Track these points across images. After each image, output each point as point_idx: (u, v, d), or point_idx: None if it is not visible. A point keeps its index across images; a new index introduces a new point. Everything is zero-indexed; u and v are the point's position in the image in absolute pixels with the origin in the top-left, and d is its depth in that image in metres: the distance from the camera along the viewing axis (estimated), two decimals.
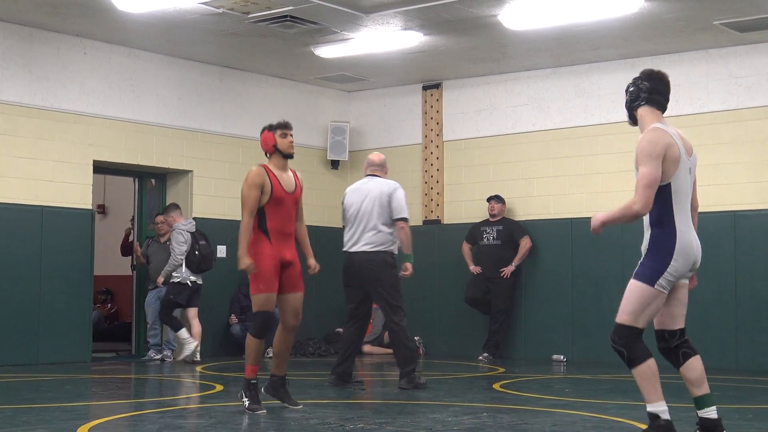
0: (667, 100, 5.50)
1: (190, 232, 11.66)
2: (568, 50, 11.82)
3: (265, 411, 6.80)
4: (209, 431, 6.13)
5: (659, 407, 5.25)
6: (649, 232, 5.36)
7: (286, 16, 10.32)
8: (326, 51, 11.65)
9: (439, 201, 13.39)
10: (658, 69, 5.58)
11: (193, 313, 11.77)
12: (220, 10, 10.12)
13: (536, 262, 12.48)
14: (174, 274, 11.58)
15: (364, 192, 8.84)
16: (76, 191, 11.29)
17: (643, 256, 5.36)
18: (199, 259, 11.60)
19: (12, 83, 10.85)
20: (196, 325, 11.73)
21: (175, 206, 11.91)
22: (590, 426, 6.44)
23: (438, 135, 13.42)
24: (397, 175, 13.75)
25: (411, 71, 12.98)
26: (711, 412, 5.37)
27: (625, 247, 11.88)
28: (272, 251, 6.95)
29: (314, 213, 13.68)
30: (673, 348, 5.45)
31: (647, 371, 5.24)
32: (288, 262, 7.07)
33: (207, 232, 12.42)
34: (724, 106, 11.46)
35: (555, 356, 12.16)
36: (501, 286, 12.23)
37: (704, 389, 5.38)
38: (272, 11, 10.15)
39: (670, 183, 5.27)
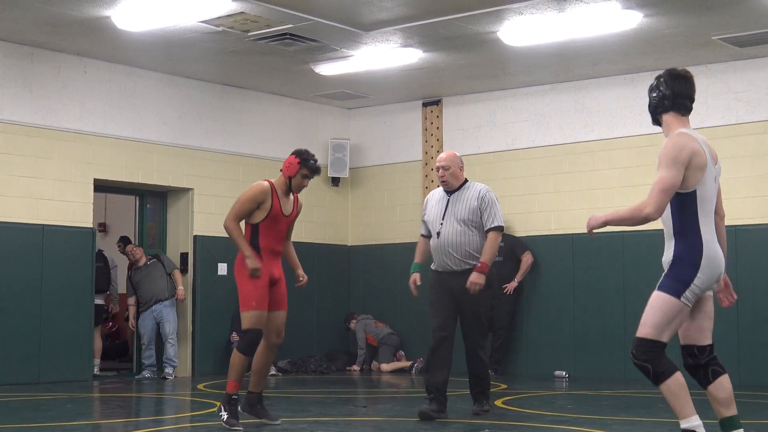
0: (692, 101, 5.17)
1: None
2: (568, 66, 11.84)
3: (241, 428, 6.84)
4: None
5: (693, 422, 5.00)
6: (673, 242, 5.06)
7: (285, 34, 10.34)
8: (326, 68, 11.67)
9: None
10: (682, 68, 5.25)
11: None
12: (220, 29, 10.15)
13: (537, 278, 12.47)
14: None
15: None
16: (76, 210, 11.30)
17: (668, 267, 5.07)
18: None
19: (12, 102, 10.87)
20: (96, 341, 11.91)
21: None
22: None
23: (438, 151, 13.43)
24: (397, 191, 13.80)
25: (411, 88, 13.01)
26: None
27: (626, 263, 11.89)
28: (264, 269, 6.97)
29: (315, 230, 13.69)
30: (702, 365, 5.21)
31: (676, 385, 4.97)
32: (276, 279, 7.14)
33: (208, 250, 12.45)
34: (724, 121, 11.47)
35: (557, 372, 12.13)
36: (503, 303, 12.21)
37: (732, 410, 5.13)
38: (272, 29, 10.18)
39: (695, 191, 4.97)
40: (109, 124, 11.68)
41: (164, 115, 12.22)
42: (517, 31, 10.23)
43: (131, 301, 12.28)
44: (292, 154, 7.20)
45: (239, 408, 7.19)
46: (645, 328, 5.08)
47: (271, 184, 7.12)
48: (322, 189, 13.94)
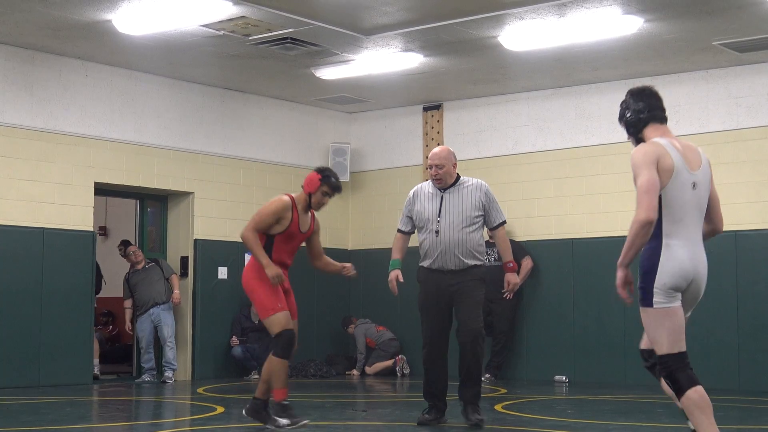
0: (664, 110, 5.26)
1: None
2: (568, 71, 11.85)
3: (307, 420, 6.82)
4: None
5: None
6: None
7: (286, 38, 10.36)
8: (327, 73, 11.68)
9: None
10: (640, 86, 5.34)
11: None
12: (221, 33, 10.16)
13: (537, 283, 12.47)
14: None
15: None
16: (77, 213, 11.30)
17: None
18: None
19: (13, 106, 10.88)
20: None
21: None
22: None
23: None
24: (398, 195, 13.79)
25: (412, 92, 13.02)
26: None
27: None
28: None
29: None
30: (650, 367, 5.32)
31: (691, 401, 4.92)
32: (286, 290, 7.09)
33: (208, 253, 12.45)
34: (724, 126, 11.48)
35: (557, 377, 12.13)
36: (503, 308, 12.19)
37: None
38: (273, 33, 10.19)
39: (660, 195, 4.99)
40: (110, 127, 11.68)
41: (165, 118, 12.22)
42: (517, 36, 10.24)
43: (127, 303, 12.27)
44: (314, 170, 7.14)
45: (243, 412, 7.19)
46: (654, 347, 5.10)
47: (292, 199, 7.06)
48: None
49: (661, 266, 5.03)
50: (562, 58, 11.26)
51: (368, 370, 13.14)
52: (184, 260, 12.46)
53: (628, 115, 5.22)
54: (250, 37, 10.34)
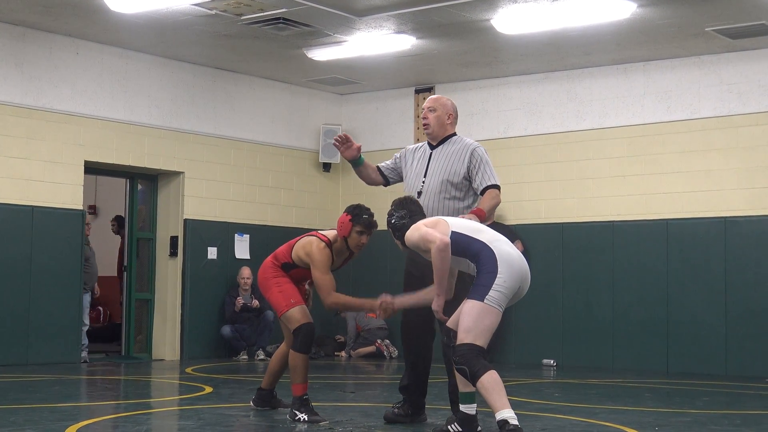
0: (423, 212, 6.14)
1: None
2: (561, 55, 11.84)
3: (327, 421, 6.56)
4: None
5: (506, 414, 5.35)
6: None
7: (279, 19, 10.32)
8: (319, 53, 11.64)
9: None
10: (404, 197, 6.24)
11: None
12: (213, 12, 10.11)
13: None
14: None
15: None
16: (67, 191, 11.27)
17: None
18: None
19: (3, 83, 10.83)
20: None
21: None
22: (578, 430, 6.44)
23: None
24: None
25: (403, 74, 12.99)
26: (471, 409, 5.73)
27: (615, 252, 11.91)
28: (292, 288, 6.85)
29: (306, 216, 13.69)
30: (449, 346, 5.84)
31: (489, 382, 5.43)
32: (306, 294, 7.13)
33: (198, 233, 12.44)
34: (716, 112, 11.49)
35: (545, 361, 12.17)
36: None
37: (471, 388, 5.65)
38: (265, 13, 10.15)
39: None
40: (101, 106, 11.64)
41: (156, 98, 12.18)
42: (510, 19, 10.22)
43: None
44: (344, 212, 6.65)
45: (251, 403, 7.20)
46: (463, 334, 5.64)
47: (329, 244, 6.68)
48: (313, 175, 13.93)
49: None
50: (554, 42, 11.25)
51: (353, 353, 13.20)
52: (173, 240, 12.44)
53: (395, 222, 6.07)
54: (243, 17, 10.29)
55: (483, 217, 6.22)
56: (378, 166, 6.97)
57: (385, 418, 6.56)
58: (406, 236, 5.89)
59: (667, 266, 11.57)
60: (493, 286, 5.56)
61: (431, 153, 6.61)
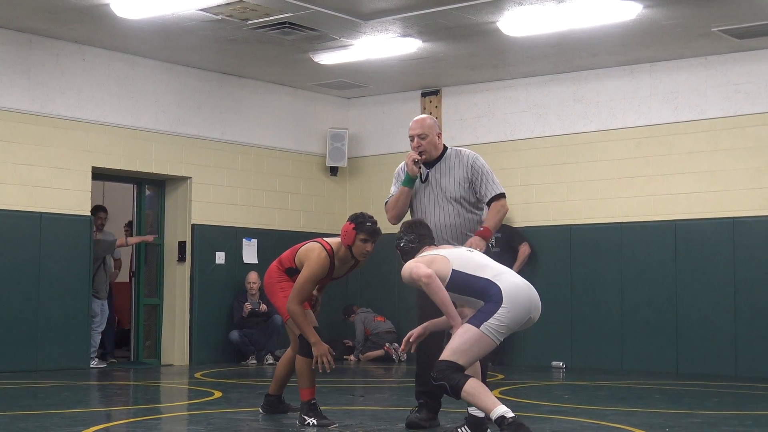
0: (432, 235, 6.19)
1: None
2: (567, 57, 11.83)
3: (336, 425, 6.56)
4: None
5: (500, 410, 5.34)
6: None
7: (284, 23, 10.32)
8: (325, 57, 11.65)
9: None
10: (413, 220, 6.31)
11: None
12: (219, 17, 10.12)
13: (535, 269, 12.46)
14: None
15: None
16: (74, 198, 11.29)
17: None
18: None
19: (10, 90, 10.85)
20: None
21: None
22: None
23: None
24: None
25: (410, 78, 12.99)
26: (480, 411, 5.78)
27: (623, 254, 11.89)
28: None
29: (313, 220, 13.69)
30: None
31: (472, 387, 5.46)
32: (315, 301, 7.15)
33: (206, 238, 12.45)
34: (723, 112, 11.46)
35: (554, 363, 12.15)
36: None
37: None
38: (271, 18, 10.15)
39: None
40: (108, 112, 11.65)
41: (162, 103, 12.20)
42: (516, 22, 10.21)
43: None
44: (348, 220, 6.60)
45: (260, 409, 7.21)
46: (453, 356, 5.66)
47: (331, 253, 6.64)
48: (320, 179, 13.94)
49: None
50: (560, 44, 11.24)
51: (362, 357, 13.20)
52: (181, 245, 12.45)
53: (402, 245, 6.12)
54: (248, 22, 10.30)
55: (489, 238, 6.43)
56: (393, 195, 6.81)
57: (407, 424, 6.51)
58: (402, 273, 5.85)
59: (676, 267, 11.55)
60: (495, 315, 5.55)
61: (427, 176, 6.64)
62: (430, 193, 6.63)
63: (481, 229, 6.45)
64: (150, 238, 12.21)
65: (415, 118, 6.76)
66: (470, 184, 6.58)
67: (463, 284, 5.71)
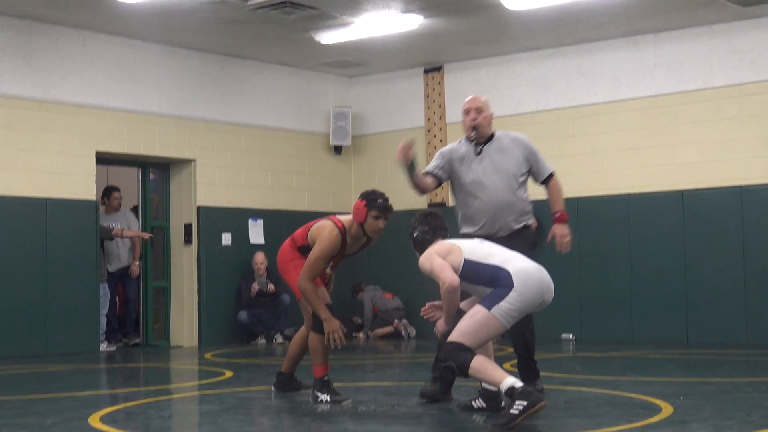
0: (446, 227, 6.17)
1: None
2: (570, 29, 11.76)
3: (350, 399, 6.57)
4: (220, 416, 6.11)
5: (509, 382, 5.37)
6: None
7: (285, 2, 10.26)
8: (326, 36, 11.59)
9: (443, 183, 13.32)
10: (429, 211, 6.27)
11: None
12: None
13: (542, 242, 12.39)
14: None
15: None
16: (79, 183, 11.27)
17: None
18: None
19: (12, 76, 10.81)
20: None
21: None
22: (603, 402, 6.42)
23: (441, 118, 13.38)
24: None
25: (412, 55, 12.93)
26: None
27: (631, 225, 11.87)
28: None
29: (318, 199, 13.67)
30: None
31: (480, 362, 5.49)
32: (328, 279, 7.12)
33: (212, 220, 12.45)
34: (728, 81, 11.40)
35: (564, 335, 12.14)
36: None
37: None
38: None
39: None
40: (110, 96, 11.62)
41: (164, 86, 12.16)
42: None
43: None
44: (359, 197, 6.61)
45: (272, 387, 7.21)
46: (461, 336, 5.70)
47: (342, 231, 6.62)
48: (324, 158, 13.90)
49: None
50: (563, 17, 11.17)
51: (371, 334, 13.21)
52: (188, 227, 12.44)
53: (416, 236, 6.11)
54: (248, 2, 10.24)
55: (568, 220, 6.78)
56: (427, 170, 6.86)
57: (421, 394, 6.56)
58: (420, 261, 5.89)
59: (684, 237, 11.51)
60: (506, 298, 5.58)
61: (481, 150, 6.73)
62: (487, 168, 6.69)
63: (558, 214, 6.74)
64: (146, 235, 12.18)
65: (471, 96, 6.83)
66: (527, 163, 6.75)
67: (473, 273, 5.75)
